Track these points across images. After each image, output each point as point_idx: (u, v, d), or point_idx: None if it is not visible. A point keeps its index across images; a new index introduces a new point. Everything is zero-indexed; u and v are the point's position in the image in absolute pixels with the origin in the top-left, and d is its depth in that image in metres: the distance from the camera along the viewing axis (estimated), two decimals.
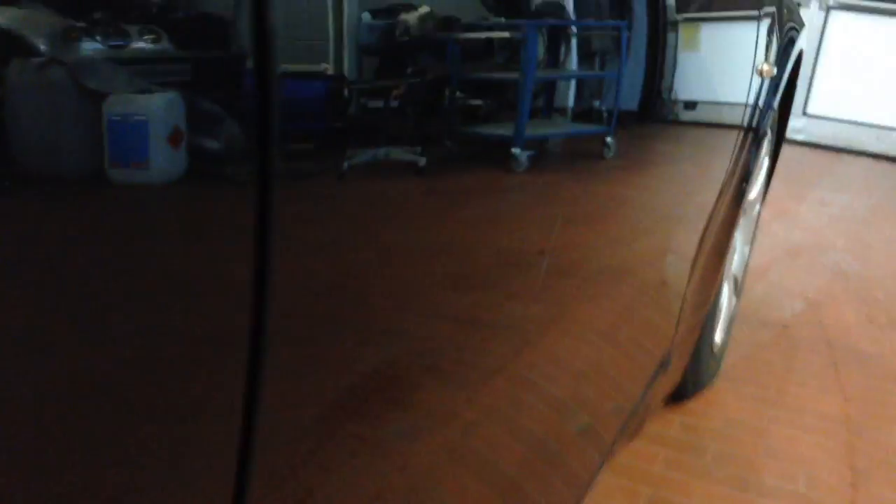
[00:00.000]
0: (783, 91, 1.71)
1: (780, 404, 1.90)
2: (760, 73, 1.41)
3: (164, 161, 0.41)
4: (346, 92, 0.54)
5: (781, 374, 2.08)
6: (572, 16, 0.85)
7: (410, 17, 0.64)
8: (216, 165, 0.44)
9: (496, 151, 0.75)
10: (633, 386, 1.20)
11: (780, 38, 1.58)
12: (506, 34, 0.79)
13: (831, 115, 6.00)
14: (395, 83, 0.62)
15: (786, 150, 5.80)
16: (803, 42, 1.81)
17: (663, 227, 1.25)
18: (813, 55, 5.93)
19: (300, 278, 0.49)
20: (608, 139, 0.97)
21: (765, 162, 1.86)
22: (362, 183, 0.55)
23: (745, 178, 1.53)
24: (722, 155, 1.38)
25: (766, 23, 1.49)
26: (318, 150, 0.51)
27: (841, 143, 5.97)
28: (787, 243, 3.32)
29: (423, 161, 0.64)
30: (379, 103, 0.61)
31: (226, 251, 0.44)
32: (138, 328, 0.40)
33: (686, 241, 1.32)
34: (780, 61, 1.58)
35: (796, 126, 6.04)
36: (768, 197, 4.07)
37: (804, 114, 6.06)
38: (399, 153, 0.62)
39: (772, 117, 1.68)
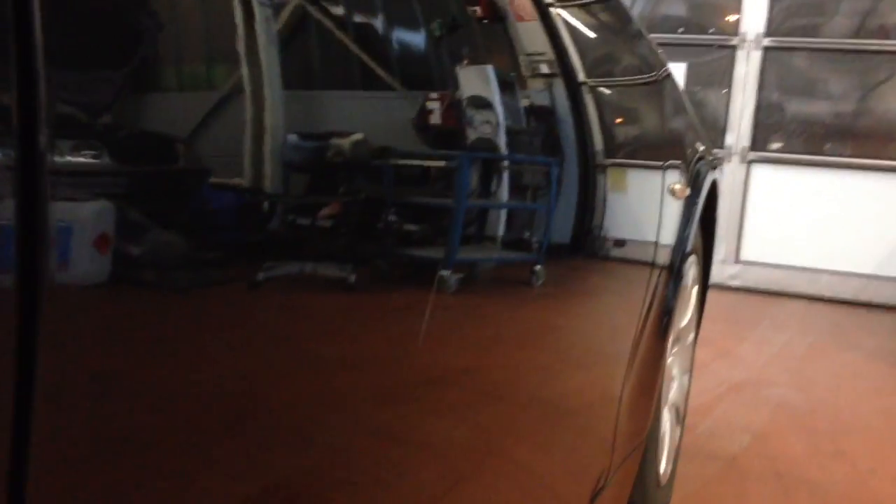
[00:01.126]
0: (704, 219, 1.82)
1: None
2: (673, 193, 1.51)
3: (86, 264, 0.43)
4: (265, 205, 0.57)
5: None
6: (505, 151, 0.92)
7: (343, 142, 0.69)
8: (139, 272, 0.46)
9: (427, 273, 0.78)
10: None
11: (691, 172, 1.70)
12: (441, 164, 0.85)
13: (763, 260, 6.26)
14: (328, 201, 0.65)
15: (722, 296, 6.01)
16: (717, 174, 1.94)
17: (589, 352, 1.28)
18: (739, 205, 6.28)
19: (200, 383, 0.49)
20: (537, 268, 1.01)
21: (693, 291, 1.94)
22: (279, 294, 0.56)
23: (669, 309, 1.59)
24: (645, 286, 1.44)
25: (675, 165, 1.61)
26: (232, 261, 0.52)
27: (775, 288, 6.19)
28: (730, 380, 3.37)
29: (353, 278, 0.66)
30: (308, 220, 0.63)
31: (122, 356, 0.44)
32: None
33: (612, 367, 1.35)
34: (693, 190, 1.70)
35: (731, 273, 6.27)
36: (711, 338, 4.13)
37: (737, 261, 6.32)
38: (328, 269, 0.65)
39: (694, 245, 1.77)
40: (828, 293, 6.06)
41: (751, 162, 6.25)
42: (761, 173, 6.26)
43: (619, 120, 1.49)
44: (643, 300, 1.43)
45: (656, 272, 1.49)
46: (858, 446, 2.61)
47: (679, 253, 1.61)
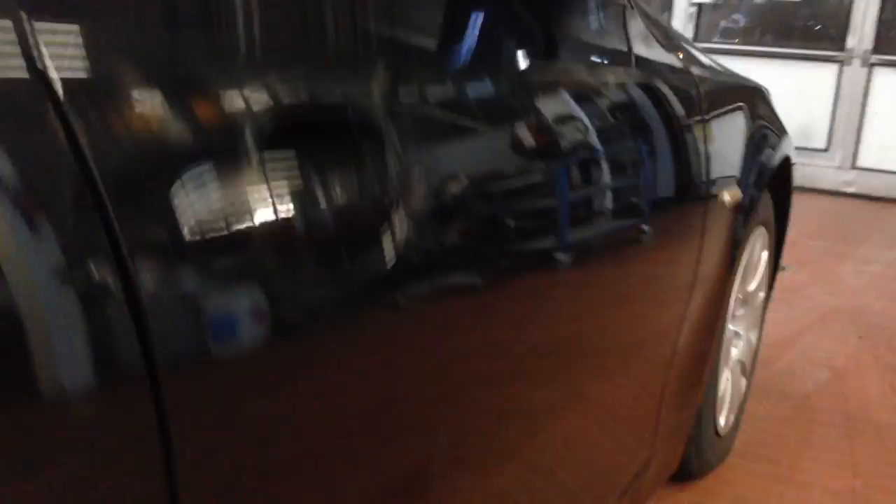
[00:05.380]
0: (780, 193, 1.86)
1: (790, 481, 2.03)
2: (725, 201, 1.53)
3: None
4: None
5: (795, 448, 2.20)
6: None
7: None
8: None
9: None
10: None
11: (753, 136, 1.74)
12: None
13: (882, 167, 6.02)
14: None
15: (834, 204, 5.88)
16: (788, 149, 1.97)
17: (625, 332, 1.24)
18: (859, 110, 6.00)
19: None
20: None
21: (763, 255, 2.04)
22: None
23: (726, 276, 1.63)
24: (691, 252, 1.41)
25: (738, 119, 1.64)
26: None
27: (893, 195, 5.98)
28: (821, 308, 3.41)
29: None
30: None
31: None
32: None
33: (655, 346, 1.35)
34: (754, 154, 1.72)
35: (846, 179, 6.08)
36: (811, 258, 4.10)
37: (853, 167, 6.10)
38: None
39: (764, 217, 1.85)
40: None
41: (872, 65, 5.92)
42: (882, 77, 5.92)
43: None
44: (691, 264, 1.39)
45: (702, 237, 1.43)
46: None
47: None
